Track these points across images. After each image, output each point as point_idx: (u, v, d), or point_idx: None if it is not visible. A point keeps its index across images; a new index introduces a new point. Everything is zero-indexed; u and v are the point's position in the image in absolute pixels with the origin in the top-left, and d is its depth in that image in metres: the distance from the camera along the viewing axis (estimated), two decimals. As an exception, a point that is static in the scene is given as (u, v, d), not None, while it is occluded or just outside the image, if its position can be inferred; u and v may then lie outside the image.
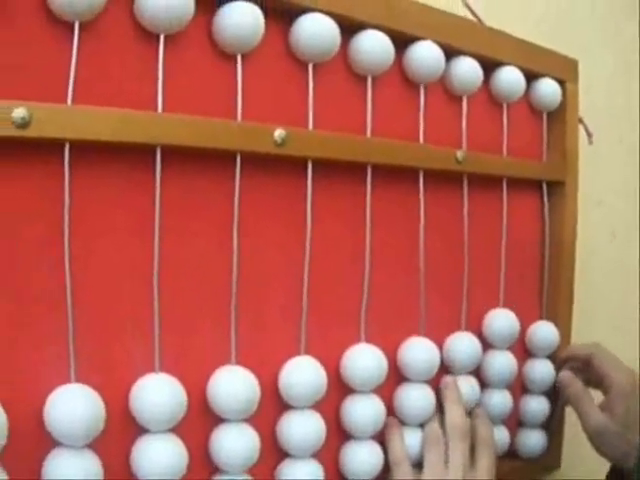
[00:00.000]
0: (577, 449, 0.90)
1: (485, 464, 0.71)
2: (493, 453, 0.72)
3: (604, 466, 0.80)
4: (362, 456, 0.66)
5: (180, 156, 0.55)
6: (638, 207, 1.16)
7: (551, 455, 0.87)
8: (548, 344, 0.83)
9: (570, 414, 0.88)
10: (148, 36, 0.54)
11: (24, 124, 0.46)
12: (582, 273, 0.89)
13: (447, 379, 0.73)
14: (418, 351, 0.70)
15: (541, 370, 0.83)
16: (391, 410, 0.70)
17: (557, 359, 0.84)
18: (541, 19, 0.98)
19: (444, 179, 0.73)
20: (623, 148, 1.14)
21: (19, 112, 0.46)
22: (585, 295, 0.92)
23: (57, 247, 0.50)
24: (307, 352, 0.62)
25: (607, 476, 0.80)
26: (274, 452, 0.62)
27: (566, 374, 0.82)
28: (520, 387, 0.84)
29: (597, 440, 0.77)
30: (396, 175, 0.69)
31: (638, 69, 1.16)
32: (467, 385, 0.74)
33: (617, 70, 1.13)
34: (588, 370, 0.81)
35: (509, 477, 0.80)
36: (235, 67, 0.58)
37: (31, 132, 0.47)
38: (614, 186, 1.12)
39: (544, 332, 0.83)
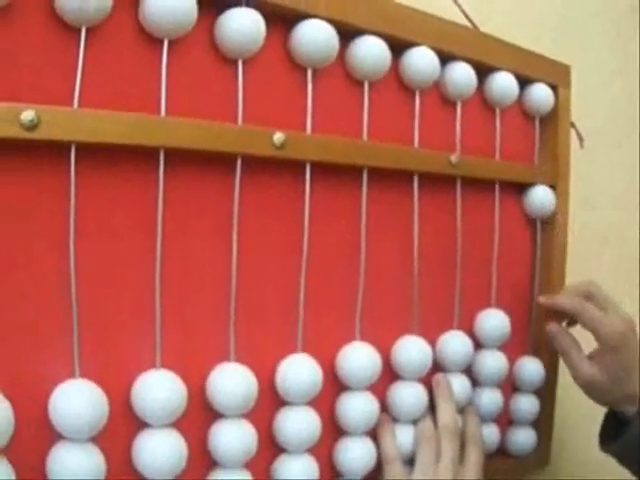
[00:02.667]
0: (566, 446, 0.92)
1: (474, 462, 0.72)
2: (481, 451, 0.74)
3: (593, 463, 0.82)
4: (356, 452, 0.68)
5: (183, 158, 0.57)
6: (638, 213, 1.18)
7: (540, 453, 0.88)
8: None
9: (559, 412, 0.90)
10: (152, 41, 0.55)
11: (32, 126, 0.48)
12: (575, 277, 0.90)
13: (439, 377, 0.74)
14: (411, 349, 0.71)
15: (531, 369, 0.84)
16: (384, 407, 0.71)
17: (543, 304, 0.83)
18: (539, 23, 1.00)
19: (438, 182, 0.75)
20: (621, 153, 1.16)
21: (28, 115, 0.47)
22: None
23: (63, 245, 0.51)
24: (303, 350, 0.64)
25: (604, 418, 0.81)
26: (271, 447, 0.63)
27: (553, 327, 0.82)
28: (510, 386, 0.85)
29: (588, 391, 0.79)
30: (391, 178, 0.71)
31: (637, 73, 1.18)
32: (458, 383, 0.76)
33: (616, 74, 1.14)
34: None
35: (499, 474, 0.82)
36: (236, 72, 0.59)
37: (39, 134, 0.48)
38: (611, 191, 1.13)
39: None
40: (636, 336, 0.77)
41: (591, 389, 0.79)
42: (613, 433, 0.78)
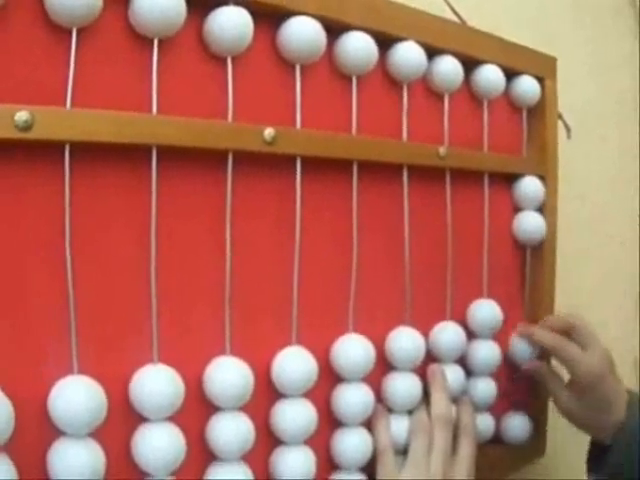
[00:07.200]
0: (561, 436, 0.92)
1: (466, 453, 0.73)
2: (474, 441, 0.74)
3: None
4: (352, 443, 0.68)
5: (175, 156, 0.57)
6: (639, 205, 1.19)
7: (535, 442, 0.89)
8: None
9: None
10: (142, 40, 0.56)
11: (26, 127, 0.48)
12: (564, 265, 0.92)
13: (434, 367, 0.75)
14: (404, 340, 0.72)
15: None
16: (379, 398, 0.72)
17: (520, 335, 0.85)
18: (523, 15, 1.00)
19: (427, 174, 0.75)
20: (609, 142, 1.16)
21: (21, 115, 0.48)
22: (568, 286, 0.94)
23: (59, 242, 0.51)
24: (298, 342, 0.65)
25: (590, 448, 0.83)
26: (268, 439, 0.64)
27: (531, 364, 0.84)
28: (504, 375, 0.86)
29: (568, 419, 0.82)
30: (381, 171, 0.71)
31: (623, 63, 1.19)
32: (452, 373, 0.76)
33: (599, 66, 1.15)
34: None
35: (495, 463, 0.83)
36: (226, 69, 0.60)
37: (33, 134, 0.49)
38: (599, 181, 1.14)
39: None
40: (612, 372, 0.79)
41: (570, 418, 0.82)
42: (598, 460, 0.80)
